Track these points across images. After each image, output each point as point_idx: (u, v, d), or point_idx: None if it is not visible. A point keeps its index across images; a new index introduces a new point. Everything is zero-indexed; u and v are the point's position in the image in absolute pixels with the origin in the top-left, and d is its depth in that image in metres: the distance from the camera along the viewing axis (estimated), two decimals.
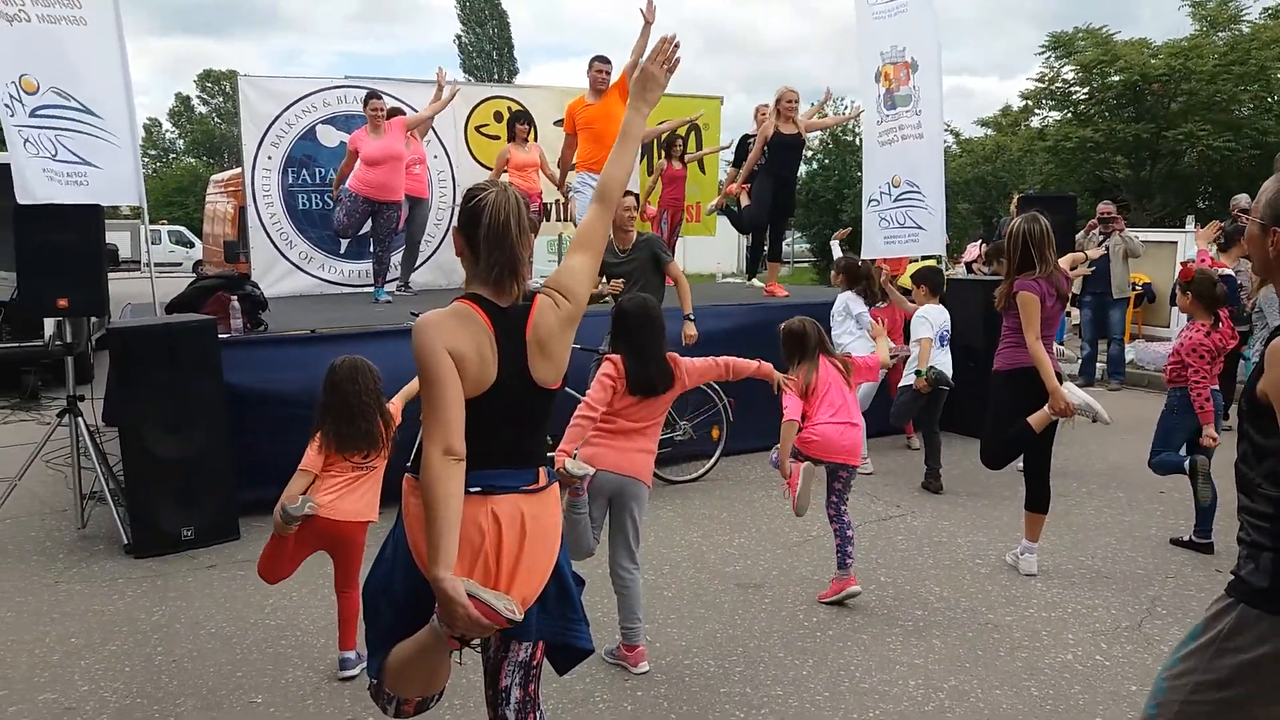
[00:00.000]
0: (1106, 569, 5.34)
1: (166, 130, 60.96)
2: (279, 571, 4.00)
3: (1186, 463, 5.37)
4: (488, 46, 51.01)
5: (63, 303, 5.84)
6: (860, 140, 11.10)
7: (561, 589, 2.69)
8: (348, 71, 13.35)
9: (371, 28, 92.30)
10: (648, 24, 8.08)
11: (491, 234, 2.49)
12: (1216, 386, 5.47)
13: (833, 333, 7.37)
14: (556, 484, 2.70)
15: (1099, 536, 5.86)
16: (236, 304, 6.40)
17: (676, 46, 2.81)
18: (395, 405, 4.17)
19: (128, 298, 9.61)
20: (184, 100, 60.49)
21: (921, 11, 9.55)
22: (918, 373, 6.84)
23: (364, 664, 4.05)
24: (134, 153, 6.88)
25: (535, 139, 9.49)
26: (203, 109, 60.29)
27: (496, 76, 47.85)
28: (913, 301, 7.42)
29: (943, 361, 6.98)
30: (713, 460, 7.26)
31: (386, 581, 2.64)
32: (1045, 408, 4.96)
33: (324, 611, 4.57)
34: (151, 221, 35.56)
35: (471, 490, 2.43)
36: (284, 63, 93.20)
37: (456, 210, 2.74)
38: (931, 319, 7.05)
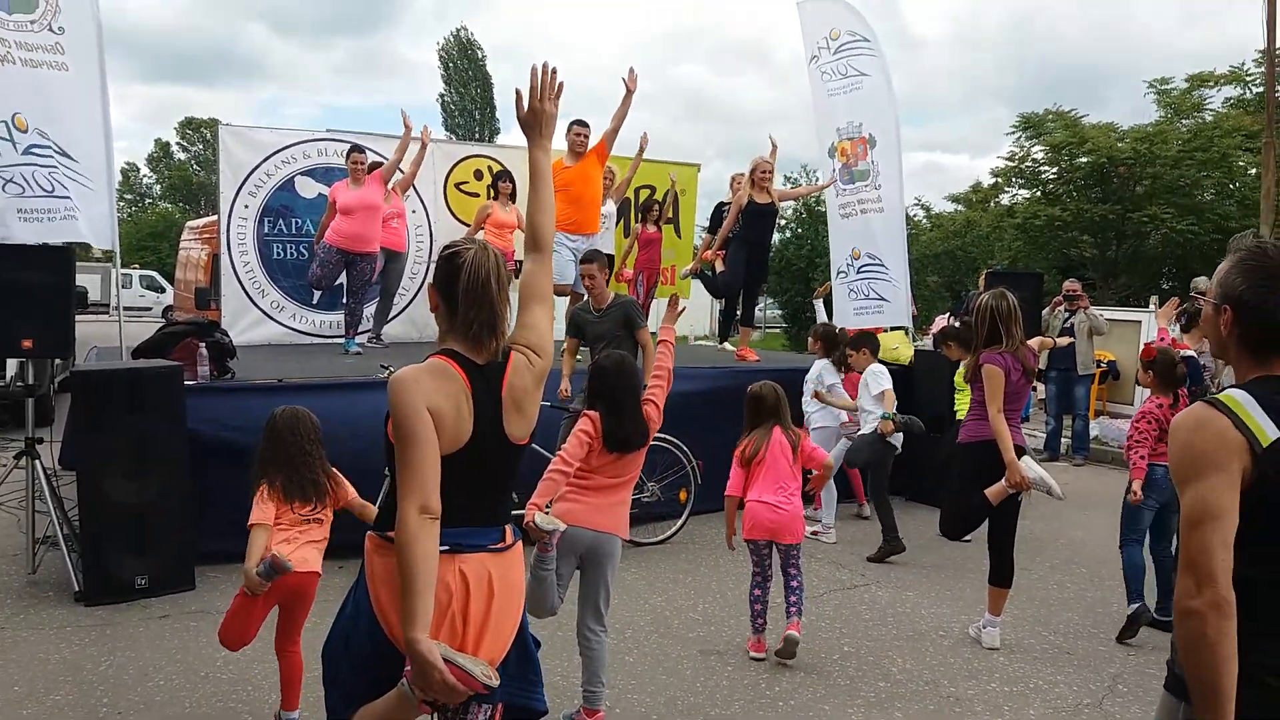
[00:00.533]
0: (1069, 645, 5.33)
1: (144, 175, 60.97)
2: (246, 635, 3.84)
3: (1138, 607, 5.37)
4: (470, 107, 51.59)
5: (27, 343, 5.76)
6: None
7: (523, 651, 2.65)
8: (330, 124, 13.55)
9: (356, 82, 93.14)
10: (629, 92, 8.24)
11: (471, 291, 2.49)
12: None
13: (804, 399, 7.44)
14: (520, 542, 2.68)
15: (1062, 612, 5.86)
16: (204, 351, 6.34)
17: (554, 74, 2.74)
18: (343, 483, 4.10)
19: (95, 340, 9.51)
20: (164, 146, 60.62)
21: (878, 88, 9.74)
22: (883, 417, 6.84)
23: None
24: (110, 197, 6.87)
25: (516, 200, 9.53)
26: (182, 155, 60.36)
27: (478, 136, 48.32)
28: (852, 366, 7.44)
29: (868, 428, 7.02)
30: (680, 523, 7.22)
31: (347, 642, 2.59)
32: (1002, 480, 5.01)
33: (277, 667, 4.47)
34: (123, 265, 35.49)
35: (439, 549, 2.40)
36: (267, 113, 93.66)
37: (433, 265, 2.72)
38: (885, 374, 7.16)
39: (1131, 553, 5.46)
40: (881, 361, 7.40)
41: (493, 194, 9.55)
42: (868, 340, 7.44)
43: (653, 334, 6.98)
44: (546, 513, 3.85)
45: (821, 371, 7.50)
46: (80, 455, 5.63)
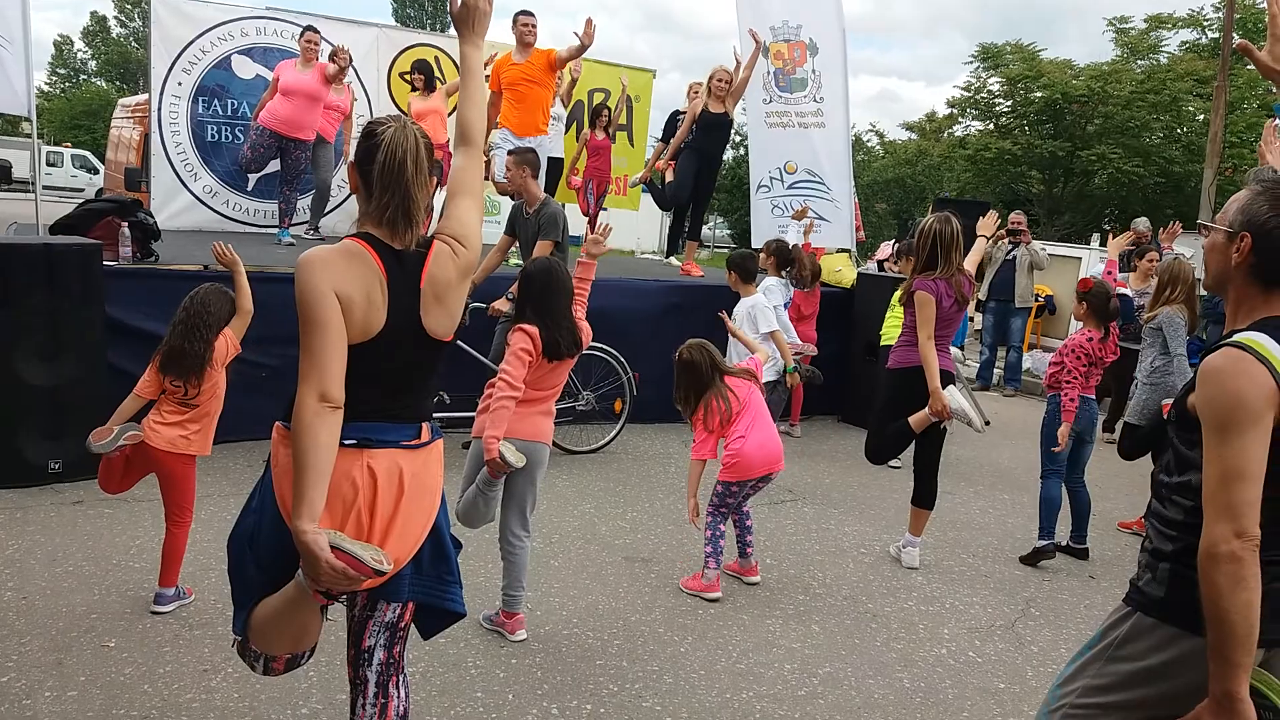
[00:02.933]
0: (986, 568, 5.45)
1: (78, 50, 58.11)
2: (109, 486, 4.07)
3: (1046, 544, 5.46)
4: None
5: None
6: None
7: (438, 550, 2.57)
8: (271, 3, 12.72)
9: None
10: (583, 46, 7.87)
11: (386, 172, 2.35)
12: (1092, 396, 5.59)
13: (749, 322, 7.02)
14: (440, 441, 2.59)
15: (981, 536, 5.98)
16: (127, 231, 6.07)
17: None
18: (230, 335, 4.14)
19: (19, 218, 9.10)
20: (99, 20, 57.65)
21: None
22: (789, 370, 6.44)
23: (181, 601, 4.08)
24: (26, 64, 6.48)
25: (433, 88, 9.22)
26: (120, 30, 57.55)
27: (430, 26, 46.79)
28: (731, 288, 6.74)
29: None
30: (614, 433, 7.20)
31: (252, 534, 2.49)
32: (925, 408, 5.03)
33: (192, 558, 4.38)
34: (55, 144, 33.97)
35: (346, 442, 2.30)
36: None
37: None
38: (769, 310, 6.54)
39: (1050, 486, 5.56)
40: (825, 283, 7.05)
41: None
42: (743, 264, 6.57)
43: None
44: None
45: (768, 288, 7.16)
46: None
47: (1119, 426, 6.96)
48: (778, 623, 4.48)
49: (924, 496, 5.32)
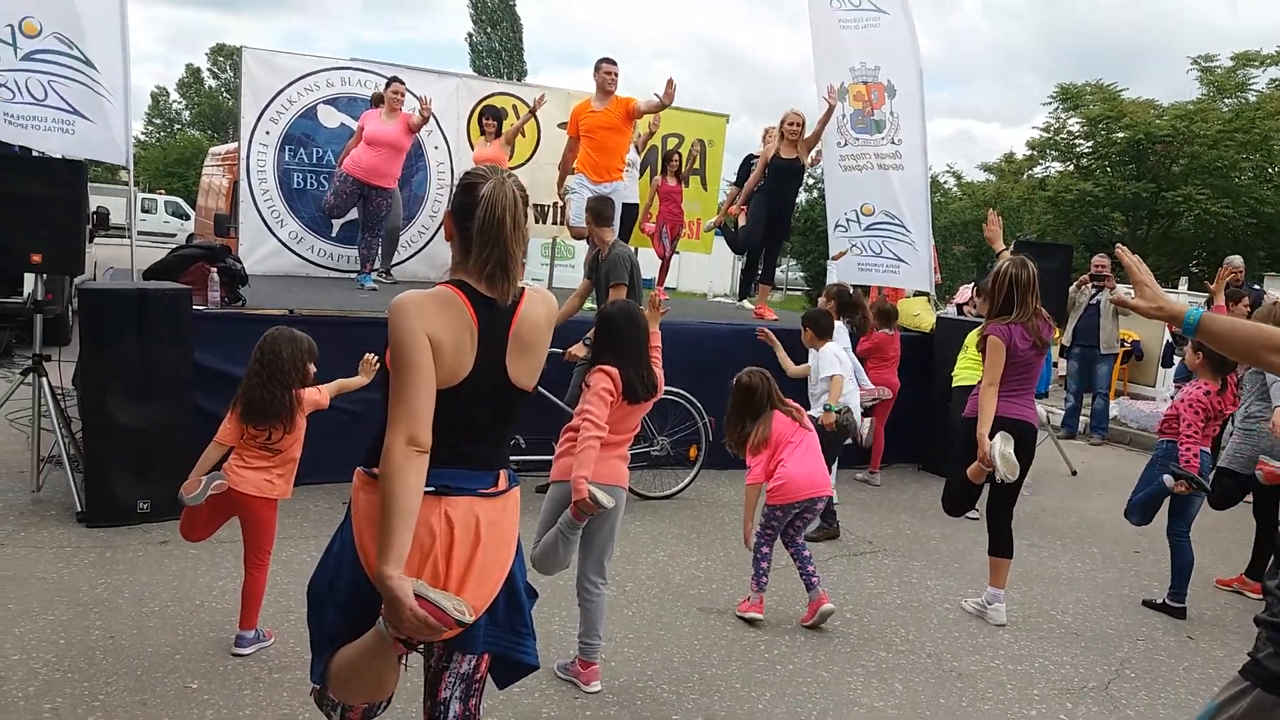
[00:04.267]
0: (1077, 626, 5.24)
1: (174, 101, 60.66)
2: (194, 535, 4.14)
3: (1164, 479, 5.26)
4: (498, 47, 50.99)
5: (36, 258, 5.66)
6: None
7: (513, 600, 2.55)
8: (355, 55, 13.10)
9: (382, 16, 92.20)
10: (662, 105, 7.96)
11: (485, 228, 2.36)
12: (1208, 448, 5.36)
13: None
14: (517, 489, 2.57)
15: (1071, 592, 5.76)
16: (216, 276, 6.24)
17: None
18: (325, 392, 4.18)
19: (116, 262, 9.44)
20: (194, 72, 60.18)
21: (899, 31, 8.93)
22: (826, 408, 6.17)
23: (261, 644, 4.10)
24: (125, 114, 6.74)
25: (500, 133, 9.36)
26: (213, 83, 59.97)
27: (505, 77, 47.81)
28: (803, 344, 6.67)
29: (854, 402, 6.43)
30: (689, 479, 7.14)
31: (331, 581, 2.50)
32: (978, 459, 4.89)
33: (273, 600, 4.42)
34: (150, 191, 35.33)
35: (425, 490, 2.29)
36: (292, 43, 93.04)
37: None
38: (842, 358, 6.45)
39: (1185, 548, 5.43)
40: (905, 327, 6.98)
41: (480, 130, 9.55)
42: (818, 320, 6.52)
43: (672, 289, 6.80)
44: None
45: (835, 333, 7.07)
46: (84, 374, 5.57)
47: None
48: (859, 680, 4.34)
49: (1000, 545, 5.16)
